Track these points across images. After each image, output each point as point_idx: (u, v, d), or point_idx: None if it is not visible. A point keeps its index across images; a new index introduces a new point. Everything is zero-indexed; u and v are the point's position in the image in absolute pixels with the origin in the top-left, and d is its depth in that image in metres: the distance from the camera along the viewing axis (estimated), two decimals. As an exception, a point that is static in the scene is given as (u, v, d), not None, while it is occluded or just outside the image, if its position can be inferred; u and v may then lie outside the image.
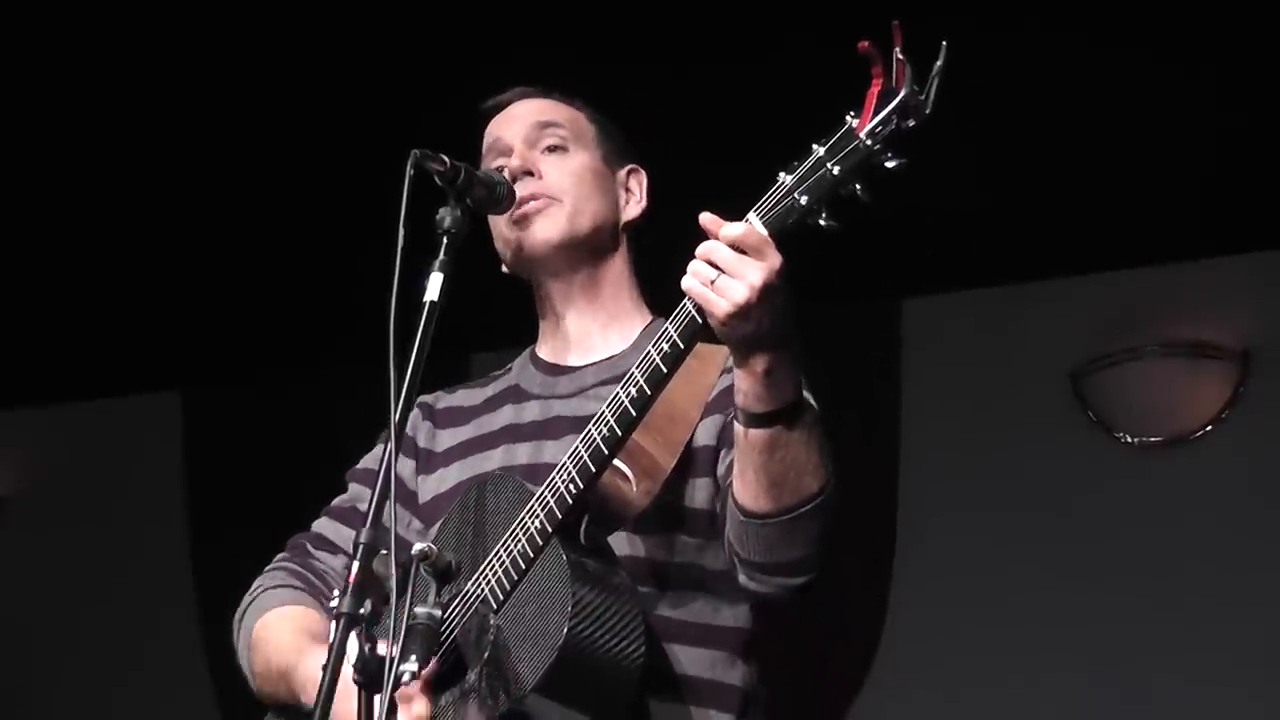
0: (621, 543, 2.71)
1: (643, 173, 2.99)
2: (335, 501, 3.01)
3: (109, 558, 6.24)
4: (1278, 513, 5.43)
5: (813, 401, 2.61)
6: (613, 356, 2.88)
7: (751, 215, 2.48)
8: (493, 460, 2.86)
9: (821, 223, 2.45)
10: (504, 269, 2.94)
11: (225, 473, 6.17)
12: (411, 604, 2.45)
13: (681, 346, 2.55)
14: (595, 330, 2.92)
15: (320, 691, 2.34)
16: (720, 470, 2.73)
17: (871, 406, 5.73)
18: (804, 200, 2.44)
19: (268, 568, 2.98)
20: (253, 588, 2.95)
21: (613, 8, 4.92)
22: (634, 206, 2.97)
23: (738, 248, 2.46)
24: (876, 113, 2.42)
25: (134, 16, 5.12)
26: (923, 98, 2.41)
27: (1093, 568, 5.51)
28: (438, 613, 2.48)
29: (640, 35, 4.97)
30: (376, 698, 2.35)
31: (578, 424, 2.76)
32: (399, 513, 2.88)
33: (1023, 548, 5.58)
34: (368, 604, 2.36)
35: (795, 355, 2.54)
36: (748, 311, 2.46)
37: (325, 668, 2.35)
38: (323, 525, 2.99)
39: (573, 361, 2.91)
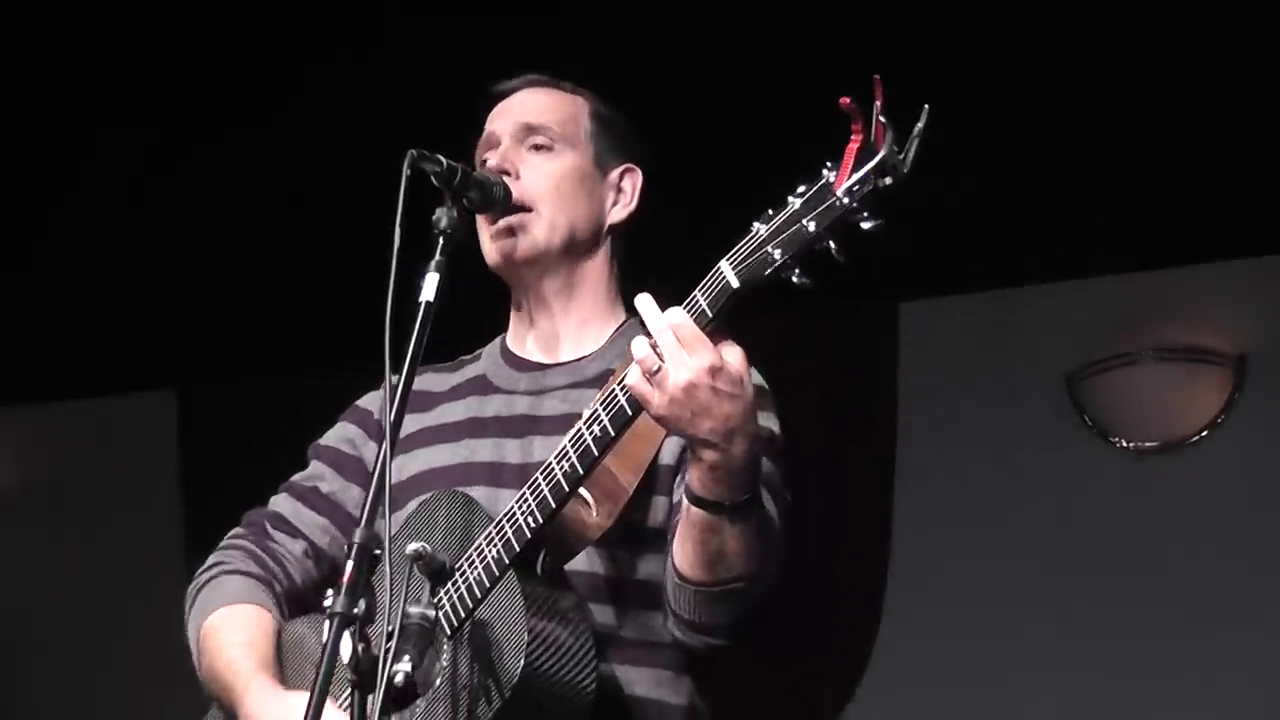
0: (580, 560, 2.67)
1: (638, 173, 2.91)
2: (296, 478, 2.95)
3: (106, 555, 6.23)
4: (1273, 517, 5.43)
5: (770, 498, 2.54)
6: (581, 359, 2.85)
7: (724, 263, 2.41)
8: (455, 453, 2.81)
9: (795, 279, 2.38)
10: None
11: (221, 471, 6.15)
12: (405, 604, 2.45)
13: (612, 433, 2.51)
14: (567, 331, 2.88)
15: (313, 692, 2.33)
16: (676, 497, 2.69)
17: (868, 410, 5.73)
18: (777, 255, 2.37)
19: (225, 543, 2.92)
20: (210, 563, 2.90)
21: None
22: (621, 209, 2.90)
23: (677, 335, 2.41)
24: (855, 170, 2.34)
25: (134, 20, 5.13)
26: (901, 157, 2.34)
27: (1088, 572, 5.50)
28: (432, 613, 2.48)
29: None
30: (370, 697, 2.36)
31: (536, 423, 2.76)
32: (355, 496, 2.87)
33: (1018, 552, 5.57)
34: (362, 604, 2.34)
35: (748, 458, 2.47)
36: (676, 406, 2.41)
37: (318, 669, 2.34)
38: (282, 504, 2.93)
39: (541, 359, 2.88)
